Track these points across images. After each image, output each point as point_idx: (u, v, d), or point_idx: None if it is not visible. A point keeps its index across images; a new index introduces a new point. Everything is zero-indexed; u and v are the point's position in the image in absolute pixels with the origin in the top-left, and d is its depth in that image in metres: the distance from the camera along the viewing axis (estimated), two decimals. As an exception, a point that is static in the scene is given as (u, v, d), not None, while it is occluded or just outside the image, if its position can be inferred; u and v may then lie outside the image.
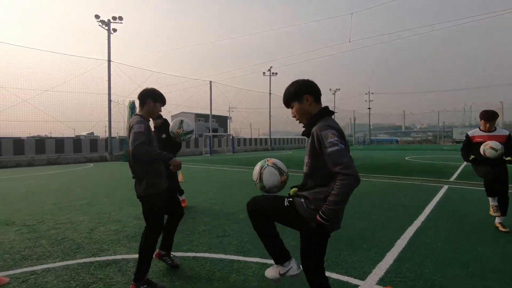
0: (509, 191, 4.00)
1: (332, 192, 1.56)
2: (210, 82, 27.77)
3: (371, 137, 60.33)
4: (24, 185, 8.63)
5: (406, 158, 17.15)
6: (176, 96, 26.96)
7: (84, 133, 27.48)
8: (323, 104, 1.84)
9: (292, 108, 1.86)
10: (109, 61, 19.23)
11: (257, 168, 2.09)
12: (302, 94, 1.79)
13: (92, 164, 16.33)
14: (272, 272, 1.94)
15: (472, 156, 4.18)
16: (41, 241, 3.68)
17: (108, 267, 2.91)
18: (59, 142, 21.49)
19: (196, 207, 5.41)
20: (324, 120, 1.70)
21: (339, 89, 47.16)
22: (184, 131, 3.79)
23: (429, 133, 68.96)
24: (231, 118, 38.35)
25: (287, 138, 44.62)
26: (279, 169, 2.02)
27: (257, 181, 2.05)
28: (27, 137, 20.86)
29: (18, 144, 19.39)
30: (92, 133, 27.22)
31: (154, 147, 2.60)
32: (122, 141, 21.16)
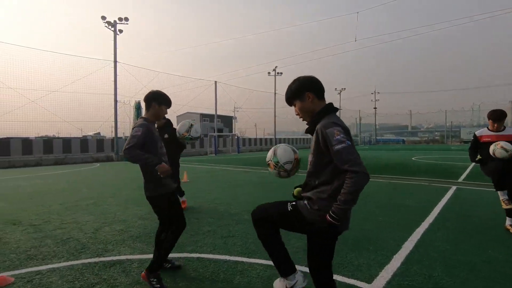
0: None
1: (342, 191, 1.52)
2: (215, 82, 27.81)
3: (377, 137, 59.81)
4: (31, 184, 8.73)
5: (413, 158, 16.95)
6: (181, 96, 27.03)
7: (91, 133, 27.78)
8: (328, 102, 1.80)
9: (294, 106, 1.83)
10: (115, 61, 19.39)
11: (270, 150, 2.15)
12: (303, 92, 1.75)
13: (98, 164, 16.48)
14: (279, 285, 1.94)
15: (479, 157, 4.11)
16: (46, 241, 3.70)
17: (112, 268, 2.90)
18: (67, 142, 21.74)
19: (200, 207, 5.40)
20: (328, 117, 1.66)
21: (344, 88, 46.88)
22: (189, 136, 3.77)
23: (436, 133, 68.15)
24: (236, 118, 38.38)
25: (293, 138, 44.50)
26: (292, 148, 2.09)
27: (271, 159, 2.05)
28: (35, 137, 21.17)
29: (26, 144, 19.66)
30: (99, 133, 27.52)
31: (158, 149, 2.63)
32: (128, 141, 21.30)
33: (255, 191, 7.26)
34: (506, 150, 3.69)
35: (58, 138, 23.07)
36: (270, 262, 2.93)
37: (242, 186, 8.00)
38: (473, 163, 4.28)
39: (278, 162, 2.01)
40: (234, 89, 33.16)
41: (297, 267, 2.79)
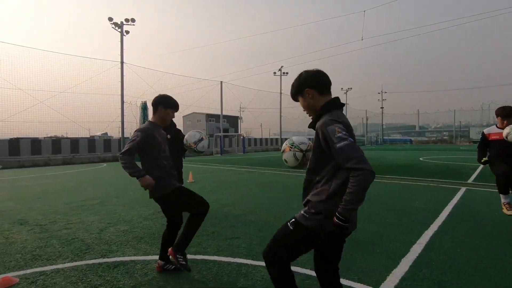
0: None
1: (347, 191, 1.45)
2: (221, 82, 27.86)
3: (384, 137, 59.20)
4: (39, 184, 8.83)
5: (420, 159, 16.70)
6: (187, 97, 27.19)
7: (99, 134, 28.08)
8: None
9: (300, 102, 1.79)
10: (122, 62, 19.56)
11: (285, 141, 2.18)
12: (303, 89, 1.70)
13: (105, 164, 16.62)
14: None
15: (484, 159, 4.00)
16: (52, 241, 3.72)
17: (115, 269, 2.89)
18: (74, 143, 22.03)
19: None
20: (329, 114, 1.58)
21: (351, 88, 46.54)
22: (195, 148, 3.74)
23: (444, 133, 67.18)
24: (242, 118, 38.41)
25: (298, 138, 44.11)
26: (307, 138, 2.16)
27: (287, 143, 2.11)
28: (44, 137, 21.48)
29: (35, 144, 19.98)
30: (106, 133, 27.77)
31: (160, 153, 2.66)
32: (135, 141, 21.45)
33: (260, 191, 7.22)
34: None
35: (66, 138, 23.40)
36: (275, 265, 2.91)
37: (247, 187, 7.96)
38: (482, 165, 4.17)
39: (293, 143, 2.05)
40: (239, 89, 33.18)
41: (300, 269, 2.77)
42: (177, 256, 2.69)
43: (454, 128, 54.22)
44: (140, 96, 20.91)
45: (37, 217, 4.90)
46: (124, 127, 19.84)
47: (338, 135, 1.47)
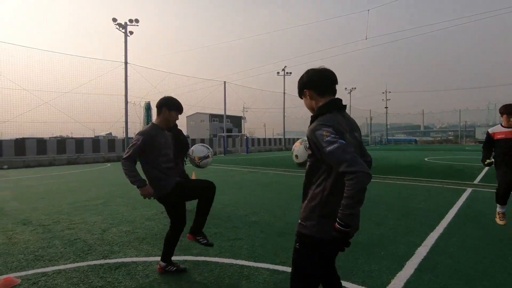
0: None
1: (344, 195, 1.39)
2: (224, 82, 27.88)
3: (388, 137, 58.81)
4: (43, 184, 8.89)
5: (425, 159, 16.54)
6: (191, 97, 27.24)
7: (103, 134, 28.27)
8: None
9: None
10: (125, 63, 19.64)
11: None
12: (302, 89, 1.66)
13: (109, 164, 16.71)
14: None
15: (488, 161, 3.89)
16: (54, 242, 3.72)
17: (117, 270, 2.88)
18: (79, 143, 22.20)
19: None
20: (320, 118, 1.52)
21: (355, 88, 46.23)
22: (198, 163, 3.70)
23: (450, 133, 66.56)
24: (245, 118, 38.41)
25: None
26: None
27: (299, 140, 2.11)
28: (50, 137, 21.67)
29: (41, 144, 20.16)
30: (110, 133, 27.95)
31: (161, 156, 2.66)
32: (138, 141, 21.53)
33: (263, 192, 7.18)
34: None
35: (71, 138, 23.57)
36: (278, 267, 2.88)
37: (250, 187, 7.93)
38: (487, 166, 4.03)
39: (304, 139, 2.03)
40: (243, 89, 33.16)
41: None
42: (197, 238, 2.81)
43: (460, 128, 53.68)
44: (144, 97, 20.95)
45: (41, 217, 4.92)
46: (128, 127, 19.93)
47: (326, 139, 1.41)
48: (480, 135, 45.29)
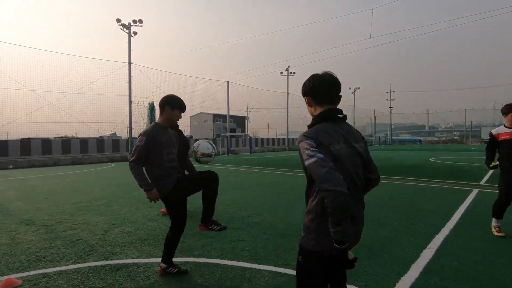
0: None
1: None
2: (228, 82, 27.88)
3: (393, 137, 58.40)
4: (47, 184, 8.94)
5: (430, 160, 16.37)
6: (194, 97, 27.27)
7: (107, 134, 28.40)
8: (342, 102, 1.62)
9: None
10: (129, 63, 19.72)
11: None
12: (303, 96, 1.61)
13: (113, 164, 16.78)
14: None
15: (494, 163, 3.77)
16: (56, 242, 3.72)
17: (118, 272, 2.86)
18: (84, 143, 22.33)
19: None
20: (308, 130, 1.48)
21: (358, 87, 46.00)
22: (199, 158, 3.68)
23: (455, 133, 65.96)
24: (248, 118, 38.37)
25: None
26: None
27: None
28: (55, 137, 21.84)
29: (46, 144, 20.31)
30: (115, 133, 28.08)
31: (164, 156, 2.66)
32: (142, 141, 21.62)
33: (266, 192, 7.14)
34: None
35: (76, 138, 23.74)
36: (280, 270, 2.84)
37: (253, 187, 7.90)
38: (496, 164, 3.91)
39: None
40: (246, 89, 33.14)
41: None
42: (210, 227, 2.84)
43: (465, 128, 53.15)
44: (148, 97, 21.02)
45: (44, 218, 4.93)
46: (132, 127, 20.00)
47: (306, 152, 1.37)
48: (486, 135, 44.67)
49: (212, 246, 3.53)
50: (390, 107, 53.71)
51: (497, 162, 3.80)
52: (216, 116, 51.13)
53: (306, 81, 1.60)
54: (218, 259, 3.14)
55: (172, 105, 2.72)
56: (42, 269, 2.95)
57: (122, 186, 8.26)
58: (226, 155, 25.35)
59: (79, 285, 2.60)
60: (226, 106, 27.98)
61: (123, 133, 25.93)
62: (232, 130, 40.39)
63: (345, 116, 1.54)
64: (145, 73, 21.11)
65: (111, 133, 27.06)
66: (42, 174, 11.98)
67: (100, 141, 24.14)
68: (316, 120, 1.52)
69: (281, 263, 3.01)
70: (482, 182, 8.09)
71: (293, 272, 2.70)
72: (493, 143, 3.86)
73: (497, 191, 3.88)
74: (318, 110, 1.54)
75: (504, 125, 3.81)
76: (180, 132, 4.72)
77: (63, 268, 2.97)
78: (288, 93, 34.20)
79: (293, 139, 37.60)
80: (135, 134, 19.81)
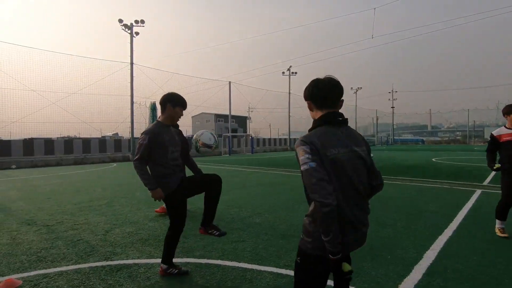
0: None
1: None
2: (229, 82, 27.88)
3: (395, 137, 58.17)
4: (49, 184, 8.96)
5: (433, 160, 16.29)
6: (196, 97, 27.30)
7: (109, 134, 28.49)
8: (345, 103, 1.60)
9: None
10: (131, 63, 19.76)
11: None
12: (305, 100, 1.59)
13: (115, 164, 16.81)
14: None
15: (497, 165, 3.72)
16: (57, 242, 3.72)
17: (118, 272, 2.85)
18: (86, 143, 22.38)
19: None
20: (305, 134, 1.48)
21: (360, 87, 45.84)
22: (198, 147, 3.66)
23: (458, 133, 65.62)
24: (250, 118, 38.36)
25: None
26: None
27: None
28: (57, 137, 21.92)
29: (48, 144, 20.38)
30: (117, 133, 28.16)
31: (168, 154, 2.65)
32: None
33: (267, 193, 7.12)
34: None
35: (78, 138, 23.82)
36: (281, 271, 2.82)
37: (255, 188, 7.88)
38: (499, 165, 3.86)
39: None
40: (248, 89, 33.12)
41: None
42: (209, 232, 2.88)
43: (468, 128, 52.86)
44: (150, 97, 21.05)
45: (45, 218, 4.93)
46: (134, 127, 20.04)
47: (301, 157, 1.38)
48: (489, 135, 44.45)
49: (213, 246, 3.52)
50: (392, 107, 53.54)
51: (499, 164, 3.75)
52: (218, 116, 51.16)
53: (307, 85, 1.59)
54: (219, 260, 3.12)
55: (174, 102, 2.69)
56: (42, 269, 2.94)
57: (123, 186, 8.27)
58: (228, 155, 25.34)
59: (80, 286, 2.59)
60: (228, 106, 27.99)
61: (125, 133, 26.01)
62: (234, 130, 40.40)
63: (346, 119, 1.53)
64: (147, 73, 21.17)
65: (113, 133, 27.15)
66: (44, 174, 12.02)
67: (102, 141, 24.20)
68: (316, 124, 1.51)
69: (282, 264, 2.99)
70: (486, 183, 8.03)
71: (294, 273, 2.68)
72: (494, 144, 3.81)
73: (501, 192, 3.83)
74: (319, 114, 1.53)
75: (505, 126, 3.76)
76: (180, 132, 4.70)
77: (63, 268, 2.96)
78: (289, 93, 34.16)
79: (295, 139, 37.51)
80: (137, 134, 19.84)
